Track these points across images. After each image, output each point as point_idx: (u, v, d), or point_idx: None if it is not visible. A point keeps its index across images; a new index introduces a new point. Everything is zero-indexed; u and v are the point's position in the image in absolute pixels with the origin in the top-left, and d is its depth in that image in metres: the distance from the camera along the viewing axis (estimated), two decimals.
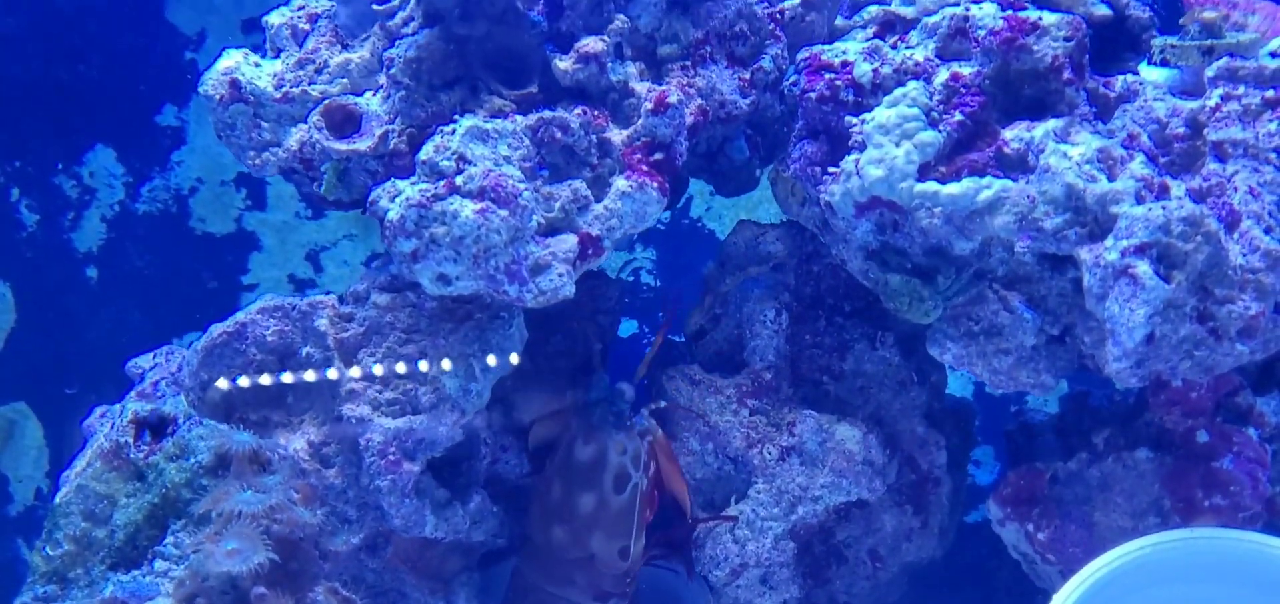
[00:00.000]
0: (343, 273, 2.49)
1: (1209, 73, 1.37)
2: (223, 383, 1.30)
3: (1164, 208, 1.22)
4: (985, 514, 1.55)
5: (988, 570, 1.81)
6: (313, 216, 2.46)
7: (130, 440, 1.22)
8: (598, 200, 1.36)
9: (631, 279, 2.54)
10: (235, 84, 1.40)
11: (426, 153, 1.29)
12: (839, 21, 1.65)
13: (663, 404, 1.50)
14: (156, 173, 2.42)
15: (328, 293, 1.44)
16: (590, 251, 1.34)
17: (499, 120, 1.32)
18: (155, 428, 1.25)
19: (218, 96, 1.40)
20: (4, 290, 2.36)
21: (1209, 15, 1.41)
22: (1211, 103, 1.35)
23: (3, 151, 2.35)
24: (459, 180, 1.26)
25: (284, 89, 1.40)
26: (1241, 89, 1.34)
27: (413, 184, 1.28)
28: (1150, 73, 1.44)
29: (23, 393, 2.38)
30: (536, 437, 1.49)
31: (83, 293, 2.40)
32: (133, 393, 1.51)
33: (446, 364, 1.30)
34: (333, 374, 1.31)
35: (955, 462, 1.71)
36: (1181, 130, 1.35)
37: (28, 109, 2.34)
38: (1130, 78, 1.41)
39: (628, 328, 2.46)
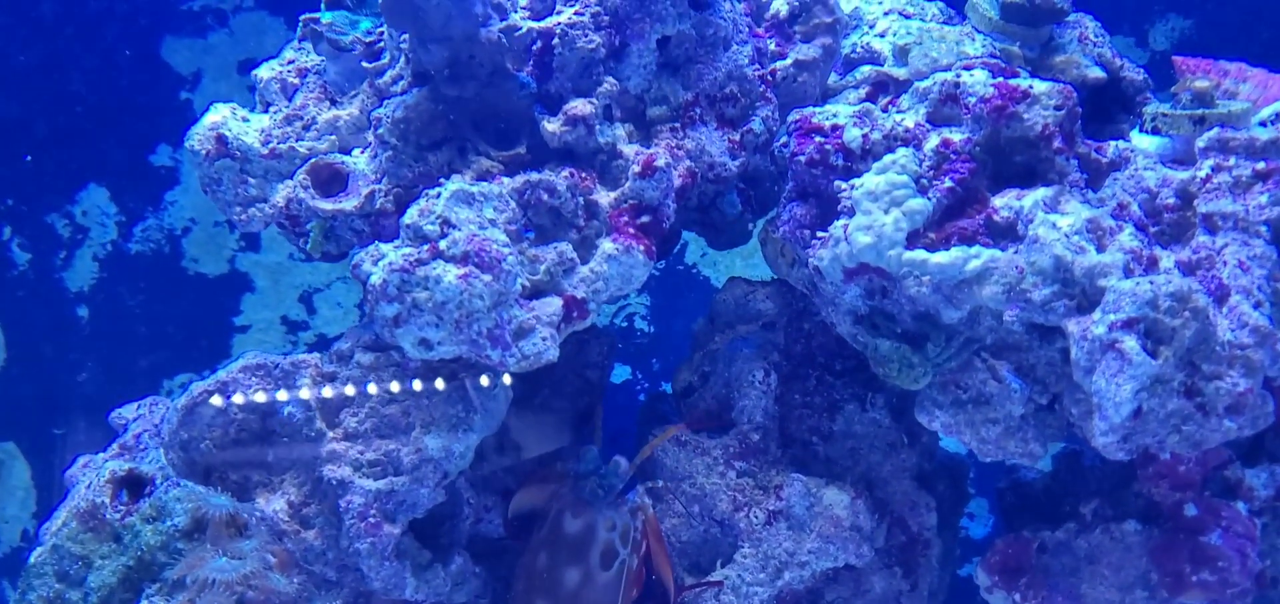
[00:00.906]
0: (336, 314, 2.48)
1: (1200, 143, 1.36)
2: (204, 443, 1.29)
3: (1151, 283, 1.22)
4: None
5: None
6: (306, 259, 2.45)
7: (107, 500, 1.20)
8: (584, 262, 1.36)
9: (625, 325, 2.53)
10: (221, 139, 1.39)
11: (410, 217, 1.28)
12: (832, 79, 1.65)
13: (659, 483, 1.48)
14: (150, 212, 2.42)
15: (308, 343, 1.43)
16: (575, 314, 1.34)
17: (485, 183, 1.32)
18: (133, 487, 1.24)
19: (204, 151, 1.39)
20: None
21: (1201, 84, 1.41)
22: (1202, 173, 1.34)
23: None
24: (443, 244, 1.25)
25: (271, 145, 1.40)
26: (1232, 160, 1.34)
27: (396, 248, 1.27)
28: (1142, 140, 1.44)
29: (11, 433, 2.37)
30: (519, 504, 1.47)
31: (74, 332, 2.39)
32: (114, 445, 1.50)
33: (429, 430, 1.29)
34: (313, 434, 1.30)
35: (947, 520, 1.69)
36: (1172, 201, 1.34)
37: (21, 147, 2.34)
38: (1122, 144, 1.40)
39: (621, 373, 2.45)
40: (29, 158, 2.35)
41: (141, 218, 2.42)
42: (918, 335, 1.36)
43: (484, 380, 1.36)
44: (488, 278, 1.25)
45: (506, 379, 1.37)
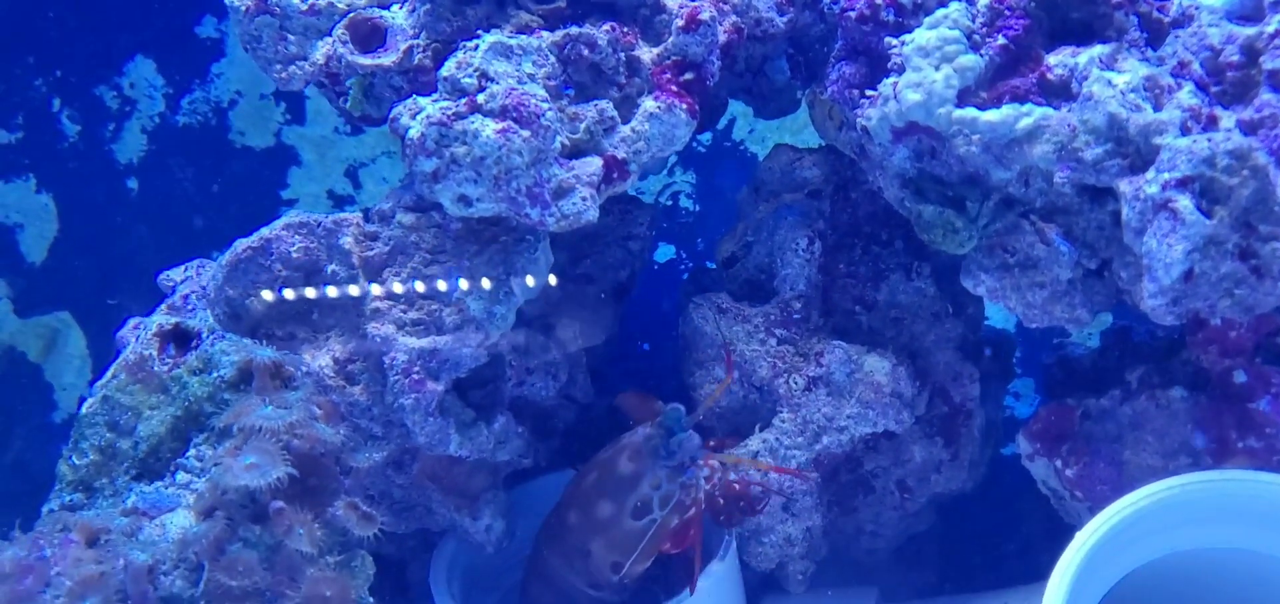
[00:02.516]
0: (381, 189, 2.48)
1: None
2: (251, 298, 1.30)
3: (1209, 140, 1.18)
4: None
5: (1021, 502, 1.79)
6: (351, 132, 2.45)
7: (155, 353, 1.22)
8: (625, 122, 1.34)
9: (670, 203, 2.51)
10: None
11: (448, 69, 1.27)
12: None
13: (728, 457, 1.47)
14: (196, 85, 2.42)
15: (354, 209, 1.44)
16: (615, 175, 1.32)
17: (524, 36, 1.30)
18: (180, 341, 1.25)
19: (244, 8, 1.38)
20: (47, 201, 2.38)
21: None
22: (1270, 28, 1.28)
23: (44, 61, 2.36)
24: (481, 99, 1.24)
25: (310, 1, 1.38)
26: None
27: (434, 102, 1.26)
28: None
29: (66, 302, 2.41)
30: (622, 403, 1.48)
31: (123, 204, 2.41)
32: (163, 305, 1.53)
33: (469, 285, 1.29)
34: (356, 291, 1.31)
35: (990, 394, 1.68)
36: (1236, 58, 1.29)
37: (68, 18, 2.34)
38: (1185, 1, 1.35)
39: (665, 253, 2.44)
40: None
41: (188, 90, 2.42)
42: (963, 198, 1.34)
43: (528, 241, 1.35)
44: (526, 134, 1.24)
45: (547, 240, 1.37)
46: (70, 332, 2.42)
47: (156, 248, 2.43)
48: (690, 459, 1.42)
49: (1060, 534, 1.48)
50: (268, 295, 1.32)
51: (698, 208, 2.51)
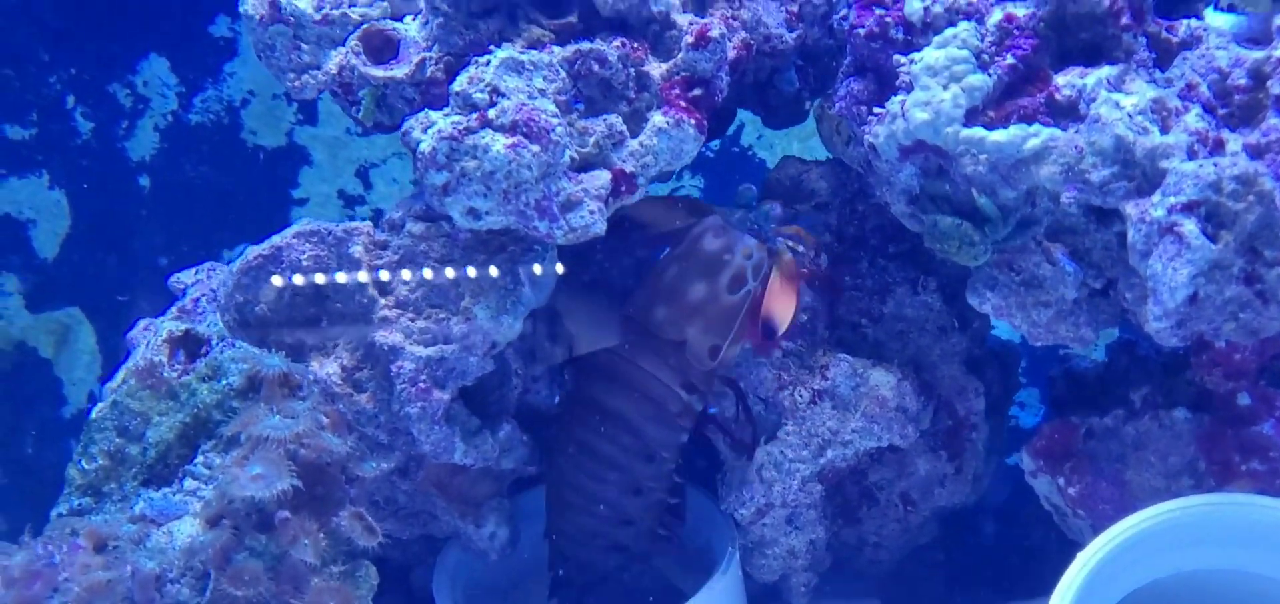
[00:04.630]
0: (392, 190, 2.49)
1: (1277, 21, 1.31)
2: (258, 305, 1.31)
3: (1216, 164, 1.18)
4: None
5: (1026, 513, 1.80)
6: (363, 133, 2.46)
7: (165, 359, 1.23)
8: (633, 136, 1.35)
9: None
10: (275, 4, 1.39)
11: (460, 84, 1.28)
12: None
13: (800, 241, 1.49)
14: (209, 83, 2.43)
15: (364, 219, 1.45)
16: (624, 189, 1.33)
17: (535, 51, 1.31)
18: (190, 347, 1.27)
19: (257, 16, 1.39)
20: (59, 197, 2.40)
21: None
22: (1278, 53, 1.29)
23: (59, 58, 2.37)
24: (491, 113, 1.25)
25: (324, 11, 1.39)
26: None
27: (445, 116, 1.27)
28: (1215, 18, 1.38)
29: (77, 298, 2.42)
30: (638, 213, 1.46)
31: (135, 201, 2.43)
32: (173, 308, 1.54)
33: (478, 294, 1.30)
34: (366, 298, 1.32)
35: (995, 407, 1.69)
36: (1243, 81, 1.30)
37: (82, 15, 2.36)
38: (1194, 23, 1.35)
39: None
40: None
41: (201, 89, 2.44)
42: (975, 214, 1.34)
43: (536, 251, 1.36)
44: (536, 148, 1.25)
45: (555, 250, 1.38)
46: (81, 328, 2.43)
47: (168, 245, 2.44)
48: (777, 225, 1.45)
49: (1064, 547, 1.50)
50: (278, 295, 1.33)
51: None
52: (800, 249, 1.49)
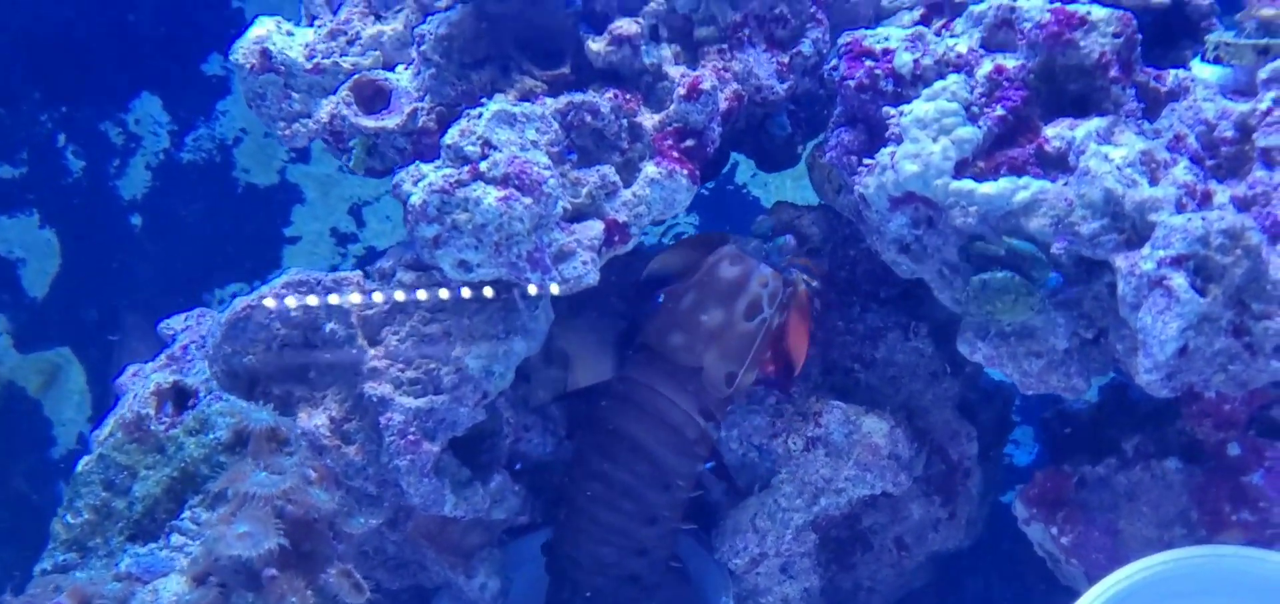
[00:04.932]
0: (385, 227, 2.50)
1: (1263, 74, 1.32)
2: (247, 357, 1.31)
3: (1203, 219, 1.18)
4: None
5: (1018, 552, 1.80)
6: (364, 174, 2.46)
7: (152, 412, 1.22)
8: (626, 186, 1.35)
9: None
10: (266, 53, 1.39)
11: (451, 137, 1.28)
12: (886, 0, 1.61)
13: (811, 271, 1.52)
14: (201, 122, 2.43)
15: (357, 256, 1.44)
16: (617, 238, 1.33)
17: (527, 103, 1.31)
18: (178, 399, 1.26)
19: (248, 65, 1.39)
20: (50, 236, 2.39)
21: (1267, 12, 1.35)
22: (1263, 106, 1.30)
23: (50, 96, 2.37)
24: (483, 166, 1.25)
25: (315, 60, 1.40)
26: None
27: (436, 168, 1.27)
28: (1202, 70, 1.39)
29: (67, 338, 2.42)
30: (659, 266, 1.51)
31: (127, 241, 2.43)
32: (162, 355, 1.53)
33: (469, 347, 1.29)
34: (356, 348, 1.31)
35: (988, 449, 1.69)
36: (1230, 134, 1.30)
37: (74, 54, 2.36)
38: (1182, 73, 1.36)
39: None
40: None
41: (193, 127, 2.44)
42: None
43: (526, 299, 1.36)
44: (528, 201, 1.25)
45: (547, 298, 1.37)
46: (70, 367, 2.42)
47: (159, 284, 2.44)
48: (792, 255, 1.48)
49: (1058, 592, 1.49)
50: (265, 347, 1.32)
51: None
52: (814, 283, 1.51)
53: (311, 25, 1.47)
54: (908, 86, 1.34)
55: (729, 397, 1.47)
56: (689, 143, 1.36)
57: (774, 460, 1.52)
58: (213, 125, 2.44)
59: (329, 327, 1.34)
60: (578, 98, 1.33)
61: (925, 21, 1.49)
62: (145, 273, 2.45)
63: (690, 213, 2.47)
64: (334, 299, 1.34)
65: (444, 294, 1.34)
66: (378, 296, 1.35)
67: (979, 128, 1.29)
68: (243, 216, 2.48)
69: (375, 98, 1.37)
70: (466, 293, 1.33)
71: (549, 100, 1.33)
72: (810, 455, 1.50)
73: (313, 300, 1.34)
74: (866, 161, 1.36)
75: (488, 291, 1.34)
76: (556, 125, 1.32)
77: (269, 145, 2.45)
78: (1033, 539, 1.48)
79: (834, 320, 1.59)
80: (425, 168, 1.29)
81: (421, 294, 1.34)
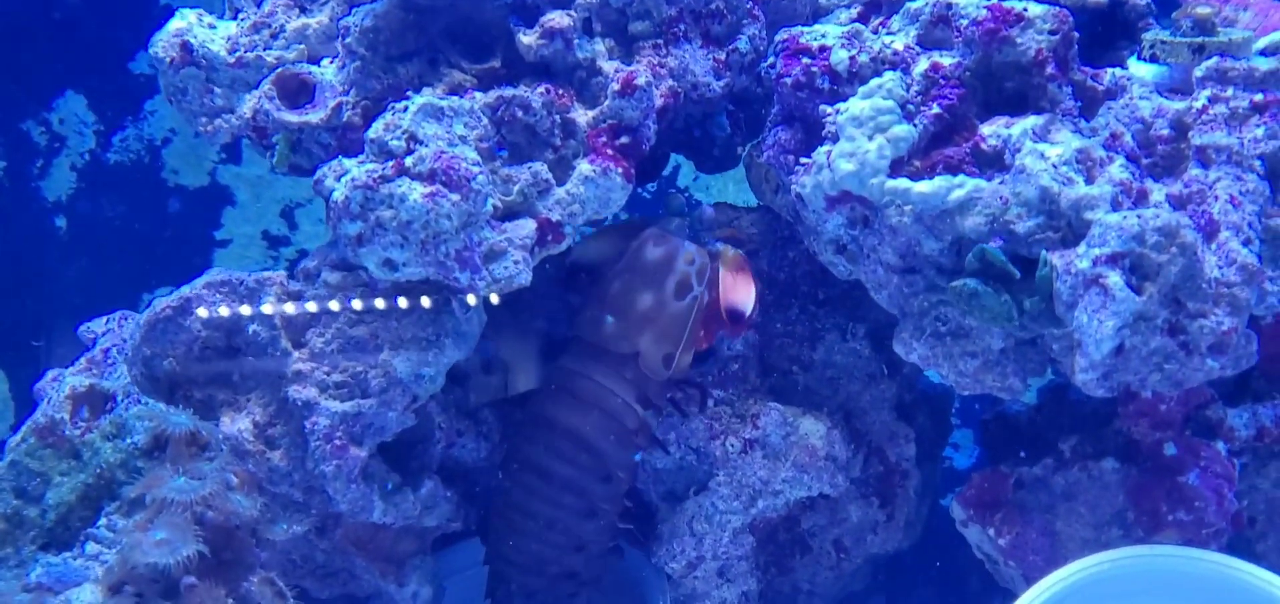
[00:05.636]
0: (318, 229, 2.45)
1: (1198, 72, 1.32)
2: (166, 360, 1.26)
3: (1139, 217, 1.18)
4: None
5: (959, 554, 1.79)
6: (288, 172, 2.41)
7: (66, 417, 1.18)
8: (560, 184, 1.32)
9: None
10: (186, 46, 1.35)
11: (375, 131, 1.24)
12: None
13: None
14: (129, 121, 2.37)
15: (288, 260, 1.40)
16: (550, 237, 1.30)
17: (456, 97, 1.28)
18: (94, 403, 1.21)
19: (168, 59, 1.35)
20: None
21: (1202, 11, 1.36)
22: (1198, 104, 1.30)
23: None
24: (409, 161, 1.21)
25: (238, 53, 1.35)
26: (1229, 91, 1.30)
27: (360, 163, 1.24)
28: (1139, 68, 1.39)
29: None
30: (584, 253, 1.48)
31: (51, 243, 2.36)
32: (81, 359, 1.48)
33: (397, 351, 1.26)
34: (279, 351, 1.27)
35: (927, 451, 1.68)
36: (1166, 132, 1.31)
37: None
38: (1118, 72, 1.36)
39: None
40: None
41: (120, 127, 2.38)
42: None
43: (459, 301, 1.32)
44: (455, 197, 1.22)
45: (472, 300, 1.34)
46: None
47: (85, 288, 2.37)
48: (712, 226, 1.48)
49: (997, 593, 1.49)
50: (186, 349, 1.28)
51: None
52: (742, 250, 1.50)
53: (235, 18, 1.43)
54: (844, 84, 1.33)
55: (669, 378, 1.45)
56: (624, 140, 1.33)
57: (711, 463, 1.50)
58: (141, 125, 2.38)
59: (252, 328, 1.30)
60: (509, 92, 1.30)
61: (863, 19, 1.48)
62: (71, 277, 2.38)
63: (631, 214, 2.46)
64: (267, 308, 1.29)
65: (381, 303, 1.30)
66: (311, 306, 1.31)
67: (915, 126, 1.28)
68: (172, 219, 2.42)
69: (299, 92, 1.33)
70: (403, 302, 1.30)
71: (479, 95, 1.30)
72: (748, 457, 1.48)
73: (246, 310, 1.29)
74: (803, 161, 1.34)
75: (425, 301, 1.31)
76: (486, 120, 1.28)
77: (199, 146, 2.39)
78: (971, 541, 1.48)
79: (773, 322, 1.58)
80: (348, 163, 1.25)
81: (356, 303, 1.30)
